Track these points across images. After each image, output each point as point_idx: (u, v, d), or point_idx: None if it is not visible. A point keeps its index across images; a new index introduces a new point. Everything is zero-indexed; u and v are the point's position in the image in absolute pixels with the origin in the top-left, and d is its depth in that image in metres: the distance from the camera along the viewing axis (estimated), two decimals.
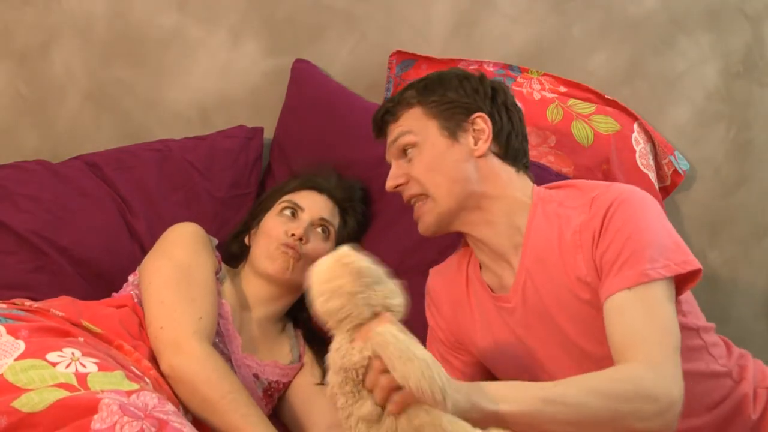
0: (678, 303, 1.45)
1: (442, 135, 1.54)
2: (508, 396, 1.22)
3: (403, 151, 1.57)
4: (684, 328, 1.45)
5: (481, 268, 1.60)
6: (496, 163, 1.55)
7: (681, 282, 1.42)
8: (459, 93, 1.56)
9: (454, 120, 1.54)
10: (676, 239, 1.44)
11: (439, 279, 1.68)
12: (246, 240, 1.92)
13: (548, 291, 1.47)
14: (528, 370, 1.54)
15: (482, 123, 1.55)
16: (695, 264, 1.41)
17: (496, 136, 1.55)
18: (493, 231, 1.53)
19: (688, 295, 1.52)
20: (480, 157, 1.53)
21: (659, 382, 1.29)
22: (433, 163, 1.53)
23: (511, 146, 1.57)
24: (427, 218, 1.55)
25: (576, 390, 1.27)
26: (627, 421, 1.26)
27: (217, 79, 2.23)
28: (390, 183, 1.58)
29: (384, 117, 1.61)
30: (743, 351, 1.62)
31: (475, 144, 1.54)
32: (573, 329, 1.47)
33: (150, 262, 1.74)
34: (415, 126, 1.56)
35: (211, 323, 1.66)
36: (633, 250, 1.38)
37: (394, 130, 1.59)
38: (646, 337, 1.33)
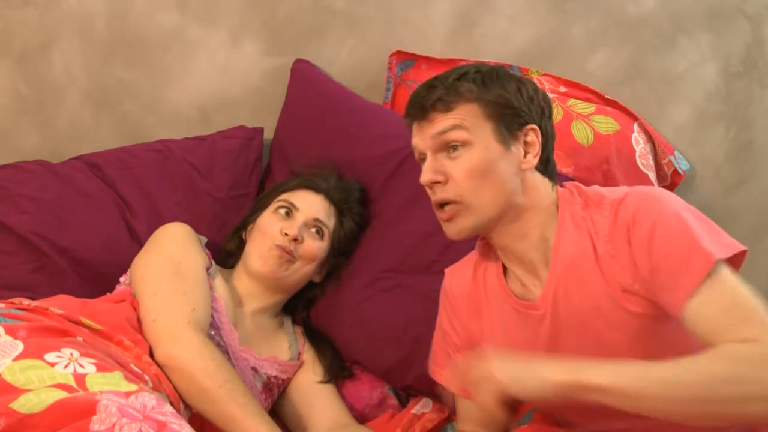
0: None
1: (496, 140, 1.43)
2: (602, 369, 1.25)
3: (447, 146, 1.44)
4: None
5: (505, 273, 1.53)
6: (537, 176, 1.47)
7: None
8: (517, 98, 1.45)
9: (508, 127, 1.44)
10: (709, 223, 1.37)
11: (456, 281, 1.61)
12: (243, 236, 1.93)
13: (584, 299, 1.41)
14: None
15: (534, 136, 1.46)
16: (739, 245, 1.34)
17: (542, 149, 1.47)
18: (525, 244, 1.46)
19: None
20: (526, 170, 1.45)
21: (756, 358, 1.21)
22: (483, 168, 1.42)
23: (551, 161, 1.51)
24: (463, 223, 1.45)
25: (661, 368, 1.25)
26: (737, 404, 1.20)
27: (217, 79, 2.23)
28: (427, 177, 1.45)
29: (435, 104, 1.45)
30: None
31: (524, 156, 1.45)
32: (615, 338, 1.40)
33: (141, 260, 1.76)
34: (470, 123, 1.43)
35: (204, 315, 1.66)
36: (689, 245, 1.31)
37: (444, 121, 1.44)
38: (737, 321, 1.26)
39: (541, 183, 1.48)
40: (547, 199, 1.48)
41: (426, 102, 1.46)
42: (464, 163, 1.43)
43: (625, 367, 1.27)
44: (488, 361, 1.32)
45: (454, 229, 1.46)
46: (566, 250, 1.43)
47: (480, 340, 1.56)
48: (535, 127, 1.46)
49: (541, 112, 1.49)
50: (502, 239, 1.48)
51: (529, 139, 1.46)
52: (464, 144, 1.43)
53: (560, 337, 1.45)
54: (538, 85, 1.54)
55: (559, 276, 1.44)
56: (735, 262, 1.35)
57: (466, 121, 1.43)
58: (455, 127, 1.43)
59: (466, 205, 1.43)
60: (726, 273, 1.30)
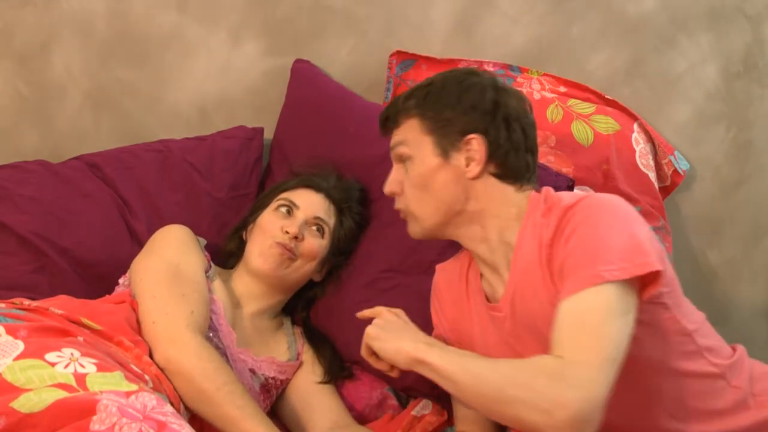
0: (665, 307, 1.40)
1: (434, 153, 1.49)
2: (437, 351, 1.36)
3: (400, 160, 1.54)
4: (677, 334, 1.43)
5: (481, 275, 1.57)
6: (491, 182, 1.49)
7: (645, 285, 1.35)
8: (456, 110, 1.48)
9: (448, 138, 1.48)
10: (636, 241, 1.34)
11: (445, 277, 1.66)
12: (243, 236, 1.93)
13: (534, 304, 1.43)
14: None
15: (476, 145, 1.47)
16: (653, 266, 1.32)
17: (492, 156, 1.48)
18: (486, 246, 1.50)
19: (678, 298, 1.45)
20: (473, 178, 1.48)
21: (564, 380, 1.23)
22: (422, 181, 1.49)
23: (509, 165, 1.49)
24: (412, 228, 1.56)
25: (484, 362, 1.32)
26: (516, 408, 1.25)
27: (217, 79, 2.23)
28: (386, 188, 1.56)
29: (386, 121, 1.57)
30: (762, 371, 1.55)
31: (467, 165, 1.48)
32: None
33: (140, 262, 1.76)
34: (411, 138, 1.51)
35: (202, 317, 1.67)
36: (588, 253, 1.32)
37: (394, 137, 1.55)
38: (574, 339, 1.27)
39: (497, 189, 1.49)
40: (507, 205, 1.49)
41: (382, 118, 1.58)
42: (409, 176, 1.52)
43: (460, 356, 1.37)
44: (377, 318, 1.49)
45: (409, 231, 1.57)
46: (524, 255, 1.45)
47: (463, 336, 1.59)
48: (477, 136, 1.47)
49: (491, 118, 1.49)
50: (464, 242, 1.54)
51: (471, 147, 1.48)
52: (408, 158, 1.52)
53: (521, 340, 1.47)
54: (490, 88, 1.51)
55: (516, 279, 1.46)
56: (651, 280, 1.35)
57: (408, 137, 1.52)
58: (399, 143, 1.54)
59: (411, 214, 1.53)
60: (607, 297, 1.29)
